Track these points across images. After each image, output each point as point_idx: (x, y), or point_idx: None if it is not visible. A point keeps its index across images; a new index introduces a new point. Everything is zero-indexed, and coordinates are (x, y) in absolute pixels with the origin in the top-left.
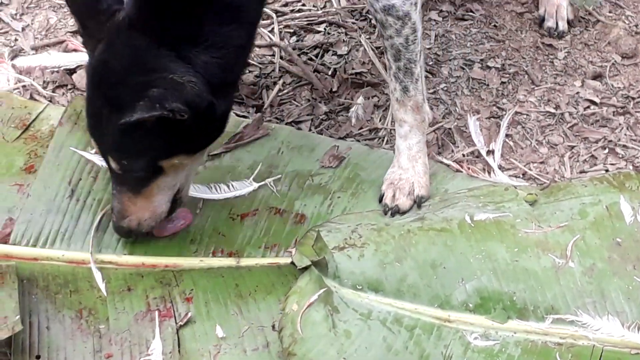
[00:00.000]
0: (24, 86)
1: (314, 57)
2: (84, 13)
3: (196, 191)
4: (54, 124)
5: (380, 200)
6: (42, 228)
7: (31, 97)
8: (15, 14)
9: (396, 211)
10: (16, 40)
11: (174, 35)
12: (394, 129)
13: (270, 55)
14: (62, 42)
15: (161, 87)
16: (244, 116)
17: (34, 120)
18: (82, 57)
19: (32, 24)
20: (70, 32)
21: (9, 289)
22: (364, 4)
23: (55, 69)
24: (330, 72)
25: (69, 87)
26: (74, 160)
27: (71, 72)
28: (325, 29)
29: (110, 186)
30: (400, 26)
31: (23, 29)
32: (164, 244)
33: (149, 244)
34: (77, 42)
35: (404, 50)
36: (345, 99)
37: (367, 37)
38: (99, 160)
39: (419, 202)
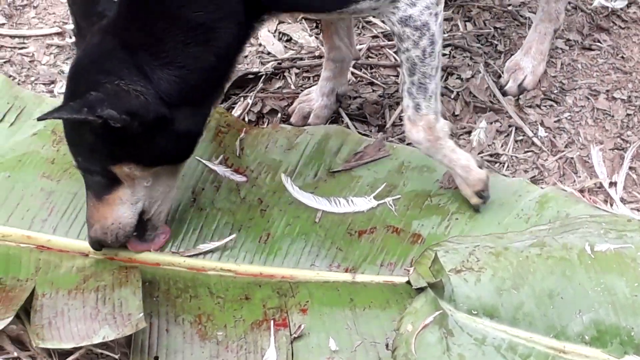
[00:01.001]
0: None
1: None
2: (81, 14)
3: (316, 203)
4: None
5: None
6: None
7: None
8: None
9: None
10: None
11: (137, 44)
12: (516, 155)
13: (394, 76)
14: None
15: (102, 92)
16: (366, 135)
17: None
18: None
19: None
20: None
21: (133, 287)
22: (490, 28)
23: None
24: (453, 96)
25: None
26: (198, 170)
27: None
28: (450, 52)
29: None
30: (418, 37)
31: None
32: (280, 255)
33: (268, 254)
34: None
35: (419, 64)
36: (467, 122)
37: (493, 61)
38: (222, 170)
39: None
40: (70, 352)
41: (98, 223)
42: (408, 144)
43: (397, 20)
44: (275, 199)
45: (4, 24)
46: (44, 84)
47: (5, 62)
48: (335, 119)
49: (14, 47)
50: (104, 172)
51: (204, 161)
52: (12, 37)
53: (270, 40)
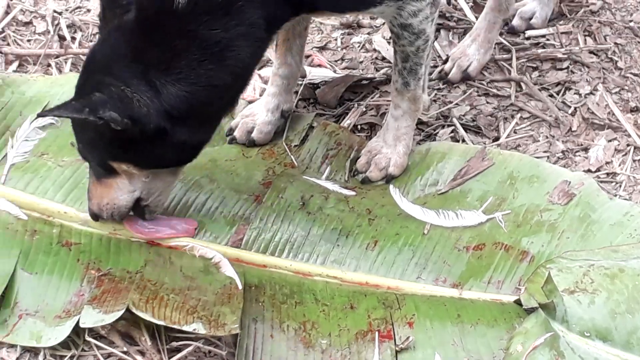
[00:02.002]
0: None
1: (554, 94)
2: (108, 1)
3: (424, 215)
4: (292, 139)
5: (355, 162)
6: (273, 236)
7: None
8: None
9: (365, 180)
10: None
11: (150, 59)
12: (634, 175)
13: (509, 88)
14: (308, 56)
15: (107, 94)
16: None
17: None
18: (326, 73)
19: None
20: (317, 48)
21: (234, 307)
22: (610, 44)
23: (299, 82)
24: (570, 111)
25: (311, 101)
26: (308, 181)
27: (315, 86)
28: (568, 66)
29: None
30: (414, 39)
31: None
32: (386, 264)
33: (374, 263)
34: (322, 57)
35: (412, 56)
36: (584, 139)
37: (612, 77)
38: (331, 186)
39: (388, 179)
40: (178, 349)
41: (95, 199)
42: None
43: (397, 24)
44: (384, 210)
45: None
46: None
47: None
48: (449, 130)
49: None
50: (103, 164)
51: (311, 179)
52: None
53: (384, 46)
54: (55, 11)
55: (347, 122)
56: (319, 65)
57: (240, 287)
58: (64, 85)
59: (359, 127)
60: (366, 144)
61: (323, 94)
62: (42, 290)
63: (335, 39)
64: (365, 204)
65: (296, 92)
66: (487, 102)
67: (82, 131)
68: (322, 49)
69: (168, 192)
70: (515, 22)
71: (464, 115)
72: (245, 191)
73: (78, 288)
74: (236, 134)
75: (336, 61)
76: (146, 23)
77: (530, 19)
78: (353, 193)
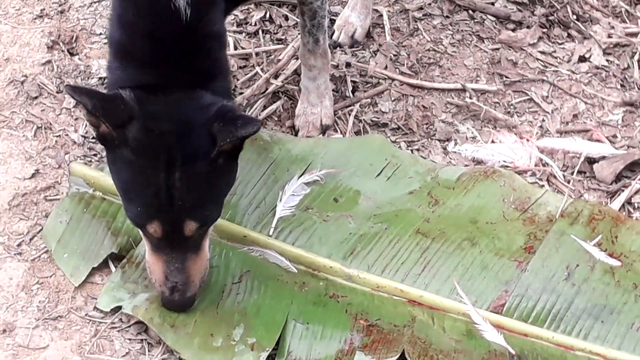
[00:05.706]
0: (544, 166)
1: None
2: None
3: None
4: (551, 210)
5: (294, 128)
6: (535, 305)
7: (547, 180)
8: (546, 97)
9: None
10: (543, 121)
11: (198, 71)
12: None
13: None
14: (587, 130)
15: (220, 122)
16: None
17: (532, 204)
18: (605, 149)
19: (560, 108)
20: (596, 123)
21: None
22: None
23: (577, 155)
24: None
25: (587, 175)
26: (573, 248)
27: (592, 161)
28: None
29: (163, 265)
30: None
31: (552, 112)
32: None
33: (638, 343)
34: (601, 133)
35: (319, 11)
36: None
37: None
38: (597, 253)
39: (325, 130)
40: None
41: (198, 276)
42: None
43: None
44: None
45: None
46: (439, 140)
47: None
48: None
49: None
50: (213, 218)
51: (579, 240)
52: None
53: None
54: None
55: (621, 198)
56: (598, 141)
57: (512, 352)
58: (326, 146)
59: (635, 204)
60: (297, 114)
61: (600, 169)
62: (314, 339)
63: (617, 115)
64: (631, 278)
65: (567, 167)
66: None
67: (211, 186)
68: (601, 124)
69: None
70: None
71: None
72: (507, 256)
73: (348, 336)
74: (341, 39)
75: (615, 137)
76: (169, 69)
77: None
78: (619, 263)
